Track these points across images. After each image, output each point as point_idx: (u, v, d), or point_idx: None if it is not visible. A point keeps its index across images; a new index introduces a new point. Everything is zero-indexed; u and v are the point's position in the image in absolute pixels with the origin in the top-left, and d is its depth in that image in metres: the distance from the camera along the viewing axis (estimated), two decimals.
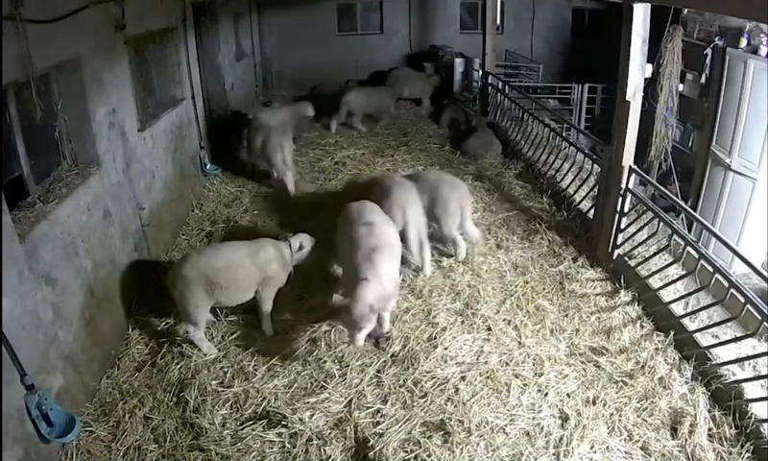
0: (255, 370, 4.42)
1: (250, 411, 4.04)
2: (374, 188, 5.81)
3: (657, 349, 4.50)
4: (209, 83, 8.93)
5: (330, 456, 3.66)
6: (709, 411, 3.89)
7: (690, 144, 8.44)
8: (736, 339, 4.23)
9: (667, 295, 4.89)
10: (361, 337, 4.12)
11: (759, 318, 3.80)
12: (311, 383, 4.29)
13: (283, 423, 3.88)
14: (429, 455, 3.61)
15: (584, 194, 6.70)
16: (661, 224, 5.18)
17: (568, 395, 4.11)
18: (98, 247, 4.51)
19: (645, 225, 5.41)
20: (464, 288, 5.34)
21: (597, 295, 5.30)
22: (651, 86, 8.27)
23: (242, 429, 3.89)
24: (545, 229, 6.38)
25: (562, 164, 7.66)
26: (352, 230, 4.70)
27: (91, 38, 4.54)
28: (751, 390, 3.87)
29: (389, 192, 5.50)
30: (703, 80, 8.01)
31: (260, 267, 4.65)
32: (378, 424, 3.89)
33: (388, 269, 4.36)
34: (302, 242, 4.99)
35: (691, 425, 3.78)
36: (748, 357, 4.13)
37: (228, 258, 4.55)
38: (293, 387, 4.25)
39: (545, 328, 4.82)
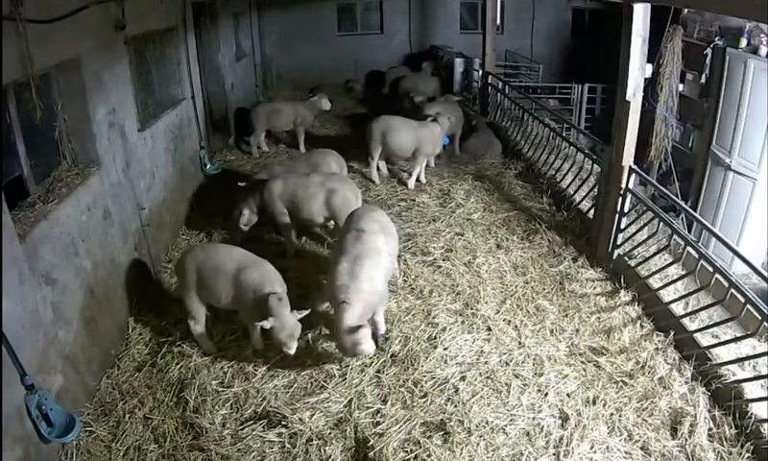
0: (255, 370, 4.42)
1: (250, 411, 4.04)
2: None
3: (657, 349, 4.50)
4: (209, 83, 8.94)
5: (330, 456, 3.66)
6: (709, 411, 3.89)
7: (690, 144, 8.42)
8: (736, 339, 4.23)
9: (667, 295, 4.89)
10: (366, 343, 4.03)
11: (759, 318, 3.80)
12: (311, 383, 4.29)
13: (283, 423, 3.88)
14: (429, 455, 3.61)
15: (584, 194, 6.70)
16: (661, 224, 5.17)
17: (568, 395, 4.11)
18: (98, 247, 4.51)
19: (645, 225, 5.41)
20: (464, 288, 5.33)
21: (597, 295, 5.30)
22: (651, 86, 8.25)
23: (242, 429, 3.89)
24: (545, 229, 6.38)
25: (562, 164, 7.66)
26: (342, 235, 4.70)
27: (91, 38, 4.54)
28: (751, 390, 3.87)
29: None
30: (703, 80, 7.99)
31: (238, 287, 4.29)
32: (378, 424, 3.89)
33: (370, 279, 4.23)
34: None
35: (691, 425, 3.78)
36: (748, 357, 4.13)
37: (218, 262, 4.40)
38: (293, 387, 4.25)
39: (545, 329, 4.82)
